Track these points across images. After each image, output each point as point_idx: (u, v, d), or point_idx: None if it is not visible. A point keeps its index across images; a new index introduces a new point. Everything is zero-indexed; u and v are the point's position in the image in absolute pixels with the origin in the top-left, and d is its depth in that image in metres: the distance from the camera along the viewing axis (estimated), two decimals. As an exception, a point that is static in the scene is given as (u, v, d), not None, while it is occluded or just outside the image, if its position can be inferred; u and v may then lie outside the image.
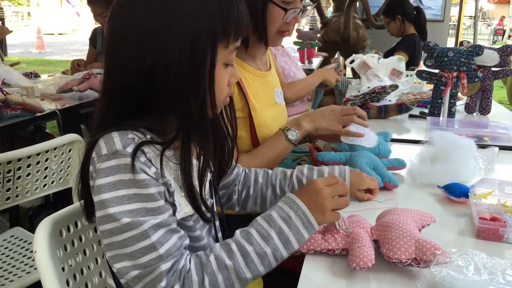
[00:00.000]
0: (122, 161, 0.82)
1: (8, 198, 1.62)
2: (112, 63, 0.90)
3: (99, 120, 0.91)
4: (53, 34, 20.81)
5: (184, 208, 0.92)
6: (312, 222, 0.92)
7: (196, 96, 0.88)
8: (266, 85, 1.63)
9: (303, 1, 1.57)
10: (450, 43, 8.55)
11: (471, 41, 7.50)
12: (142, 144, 0.85)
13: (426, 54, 2.06)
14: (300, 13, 1.54)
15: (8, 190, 1.60)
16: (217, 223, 1.11)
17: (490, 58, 2.20)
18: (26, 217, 2.64)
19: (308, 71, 4.42)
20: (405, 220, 0.93)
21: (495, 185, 1.18)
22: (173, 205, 0.90)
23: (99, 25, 3.49)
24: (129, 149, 0.83)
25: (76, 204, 1.11)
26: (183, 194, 0.92)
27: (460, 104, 2.42)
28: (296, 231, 0.90)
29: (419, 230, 0.95)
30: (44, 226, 0.99)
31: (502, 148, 1.68)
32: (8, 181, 1.57)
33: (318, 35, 5.44)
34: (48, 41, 16.21)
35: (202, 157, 0.95)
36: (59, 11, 22.77)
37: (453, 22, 13.64)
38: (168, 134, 0.90)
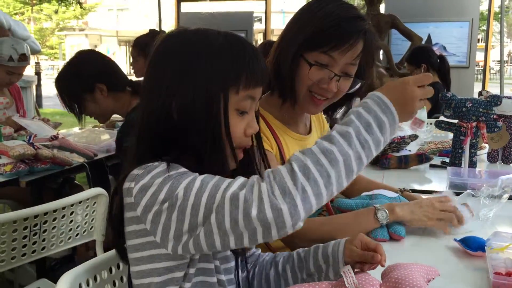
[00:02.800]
0: (160, 169, 0.89)
1: (34, 251, 1.67)
2: (140, 111, 1.00)
3: (127, 161, 0.99)
4: (87, 86, 21.50)
5: None
6: (388, 104, 0.89)
7: (212, 142, 0.94)
8: (303, 148, 1.59)
9: (348, 75, 1.43)
10: (477, 88, 8.50)
11: (499, 85, 7.45)
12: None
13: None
14: (335, 81, 1.40)
15: (34, 243, 1.65)
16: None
17: (510, 107, 2.20)
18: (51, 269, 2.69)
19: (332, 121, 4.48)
20: (413, 275, 0.94)
21: (508, 238, 1.17)
22: None
23: None
24: (163, 164, 0.90)
25: (96, 258, 1.15)
26: None
27: (483, 153, 2.41)
28: (375, 115, 0.88)
29: (427, 284, 0.96)
30: (65, 281, 1.03)
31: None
32: (35, 234, 1.62)
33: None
34: (81, 92, 16.70)
35: None
36: (93, 64, 23.56)
37: (481, 67, 13.59)
38: None
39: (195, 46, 0.96)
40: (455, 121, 2.06)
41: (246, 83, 0.96)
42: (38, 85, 12.09)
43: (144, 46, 3.52)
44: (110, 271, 1.18)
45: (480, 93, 2.60)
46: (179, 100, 0.94)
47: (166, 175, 0.87)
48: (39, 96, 12.02)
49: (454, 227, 1.36)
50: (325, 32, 1.37)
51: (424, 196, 1.73)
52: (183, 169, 0.90)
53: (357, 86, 1.49)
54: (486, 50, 8.22)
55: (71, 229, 1.77)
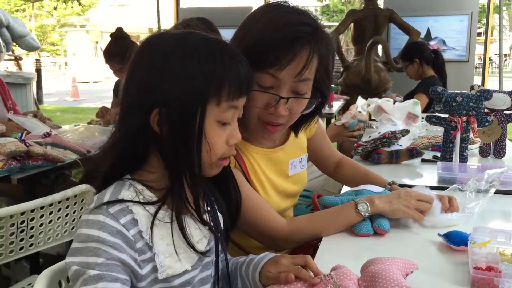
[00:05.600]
0: (98, 218, 0.88)
1: (21, 248, 1.67)
2: (120, 113, 0.97)
3: (105, 168, 0.97)
4: (88, 82, 21.58)
5: (168, 270, 0.94)
6: None
7: (186, 152, 0.91)
8: (272, 161, 1.49)
9: (299, 95, 1.28)
10: (477, 82, 8.48)
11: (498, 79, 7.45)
12: (128, 206, 0.90)
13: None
14: (283, 103, 1.26)
15: (21, 240, 1.66)
16: None
17: (502, 102, 2.19)
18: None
19: (328, 115, 4.48)
20: (391, 269, 0.94)
21: (486, 233, 1.17)
22: (152, 270, 0.93)
23: None
24: (111, 210, 0.88)
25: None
26: (167, 255, 0.94)
27: (475, 148, 2.40)
28: None
29: (404, 278, 0.96)
30: (43, 278, 1.04)
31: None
32: (22, 231, 1.63)
33: (338, 80, 5.53)
34: (82, 89, 16.79)
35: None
36: (94, 60, 23.61)
37: (482, 60, 13.56)
38: (161, 190, 0.95)
39: (173, 54, 0.91)
40: (446, 115, 2.06)
41: (229, 95, 0.93)
42: (39, 82, 12.11)
43: (122, 53, 3.34)
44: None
45: (471, 88, 2.59)
46: (154, 103, 0.90)
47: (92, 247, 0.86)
48: (39, 93, 12.05)
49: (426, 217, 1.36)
50: (259, 49, 1.20)
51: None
52: (110, 239, 0.87)
53: (313, 106, 1.34)
54: (485, 43, 8.20)
55: (59, 226, 1.78)
